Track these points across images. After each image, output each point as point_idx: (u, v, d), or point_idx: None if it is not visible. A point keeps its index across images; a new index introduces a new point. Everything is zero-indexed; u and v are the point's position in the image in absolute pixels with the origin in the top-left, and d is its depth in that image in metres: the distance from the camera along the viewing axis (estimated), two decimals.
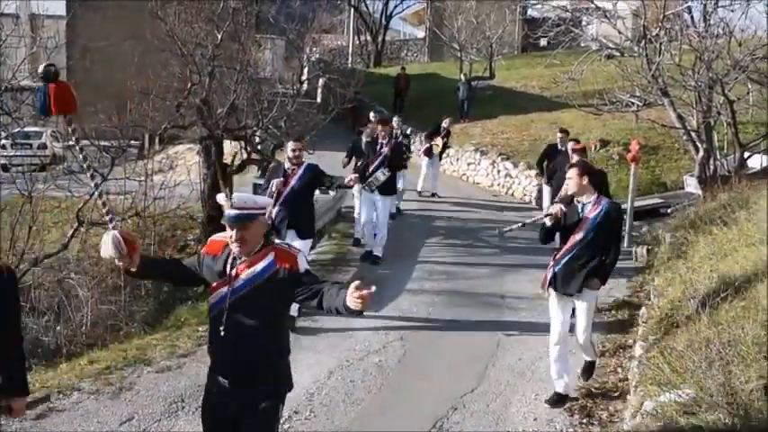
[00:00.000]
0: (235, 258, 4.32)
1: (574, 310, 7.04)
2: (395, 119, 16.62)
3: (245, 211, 4.21)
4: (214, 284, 4.37)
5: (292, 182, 8.99)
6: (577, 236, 6.74)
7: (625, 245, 13.54)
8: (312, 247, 12.77)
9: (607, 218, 6.68)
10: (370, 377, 7.55)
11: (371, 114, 16.50)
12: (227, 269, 4.33)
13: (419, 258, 12.64)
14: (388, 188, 12.11)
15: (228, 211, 4.23)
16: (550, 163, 13.29)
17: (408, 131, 16.70)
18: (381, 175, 11.79)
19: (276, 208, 8.82)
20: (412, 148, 18.37)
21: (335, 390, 7.23)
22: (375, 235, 12.15)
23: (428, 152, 18.00)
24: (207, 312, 8.87)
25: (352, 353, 8.20)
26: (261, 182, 17.25)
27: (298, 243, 8.66)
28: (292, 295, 4.29)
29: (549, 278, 6.94)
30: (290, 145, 9.22)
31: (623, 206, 14.07)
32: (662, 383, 5.61)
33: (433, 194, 18.08)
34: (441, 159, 19.46)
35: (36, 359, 8.47)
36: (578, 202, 6.76)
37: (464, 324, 9.28)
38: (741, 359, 5.41)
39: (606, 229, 6.70)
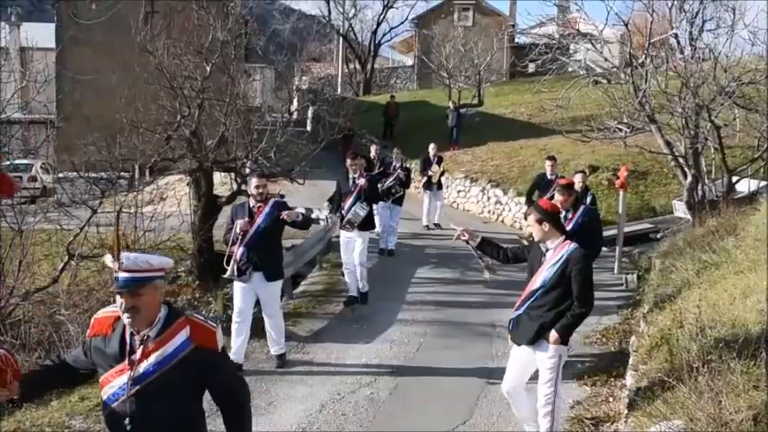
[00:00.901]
0: (132, 335, 3.66)
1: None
2: (394, 150, 16.55)
3: (138, 275, 3.62)
4: (107, 374, 3.69)
5: (258, 220, 8.42)
6: (535, 284, 6.22)
7: (615, 271, 13.66)
8: (289, 289, 12.39)
9: (566, 266, 6.03)
10: (361, 410, 7.53)
11: (373, 147, 16.18)
12: (126, 351, 3.66)
13: (410, 288, 12.65)
14: (366, 224, 11.36)
15: (117, 275, 3.64)
16: (542, 193, 12.93)
17: (397, 161, 15.93)
18: (361, 211, 11.09)
19: (241, 249, 8.36)
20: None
21: (327, 423, 7.20)
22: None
23: (427, 185, 17.59)
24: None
25: (343, 385, 8.18)
26: None
27: (266, 286, 8.52)
28: (207, 379, 3.74)
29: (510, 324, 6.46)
30: (254, 181, 8.61)
31: (613, 232, 14.27)
32: (652, 414, 5.63)
33: (436, 225, 17.77)
34: (442, 188, 18.64)
35: None
36: (545, 248, 6.23)
37: (455, 354, 9.26)
38: (731, 389, 5.43)
39: (566, 279, 6.03)
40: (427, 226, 17.70)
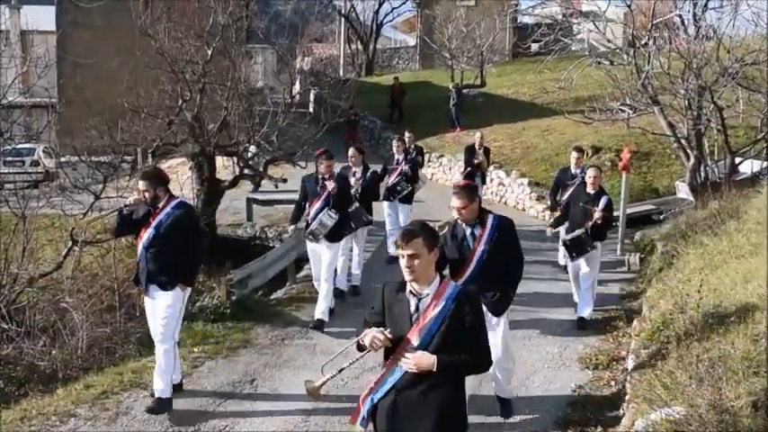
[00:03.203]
0: None
1: None
2: (407, 134, 14.89)
3: None
4: None
5: (147, 232, 7.02)
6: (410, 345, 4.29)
7: (618, 253, 13.67)
8: (293, 273, 11.88)
9: (453, 318, 4.23)
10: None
11: (406, 134, 14.63)
12: None
13: None
14: (336, 234, 9.75)
15: None
16: (564, 192, 11.57)
17: (402, 141, 13.71)
18: (328, 220, 9.48)
19: (139, 255, 7.16)
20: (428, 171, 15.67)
21: (331, 409, 7.25)
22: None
23: (469, 177, 15.14)
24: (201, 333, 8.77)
25: (347, 370, 8.19)
26: (255, 196, 17.40)
27: (161, 298, 7.07)
28: None
29: (364, 412, 4.52)
30: (139, 184, 7.11)
31: (615, 213, 14.24)
32: (653, 401, 5.65)
33: None
34: (485, 182, 16.78)
35: (32, 384, 8.49)
36: (413, 293, 4.37)
37: None
38: (731, 375, 5.46)
39: (455, 337, 4.23)
40: None
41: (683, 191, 16.65)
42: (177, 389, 7.34)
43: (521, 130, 23.52)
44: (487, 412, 7.17)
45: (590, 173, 9.98)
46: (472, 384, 7.74)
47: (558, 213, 11.01)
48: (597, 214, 9.50)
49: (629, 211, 14.70)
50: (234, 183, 14.70)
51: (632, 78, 15.48)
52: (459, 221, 6.56)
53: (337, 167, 10.39)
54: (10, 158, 19.95)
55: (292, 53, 19.01)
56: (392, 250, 12.36)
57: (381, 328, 4.32)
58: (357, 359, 4.62)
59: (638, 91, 15.51)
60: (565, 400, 7.36)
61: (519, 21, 39.96)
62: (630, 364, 7.55)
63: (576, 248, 9.65)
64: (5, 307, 10.14)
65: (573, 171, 11.77)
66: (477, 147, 15.74)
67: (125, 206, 7.17)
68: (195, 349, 8.80)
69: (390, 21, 50.19)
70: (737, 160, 15.77)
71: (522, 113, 25.79)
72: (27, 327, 9.77)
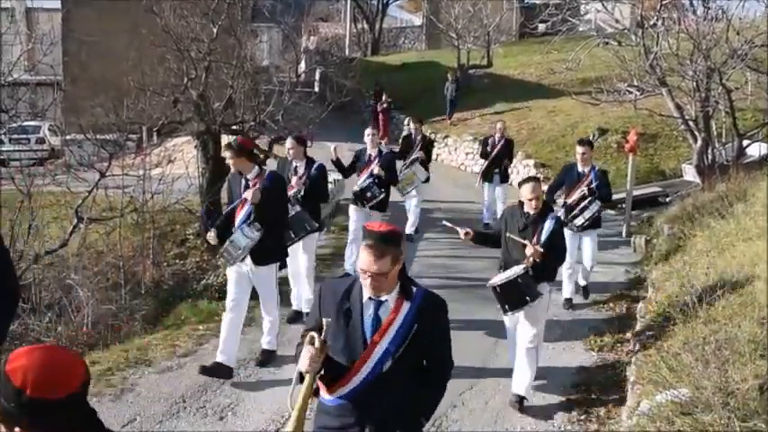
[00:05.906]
0: None
1: None
2: (412, 124, 14.49)
3: None
4: None
5: None
6: None
7: (624, 235, 13.63)
8: None
9: None
10: None
11: (411, 123, 14.28)
12: None
13: (417, 252, 12.64)
14: (265, 255, 7.23)
15: None
16: (570, 195, 9.77)
17: (376, 134, 11.05)
18: (242, 239, 7.04)
19: None
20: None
21: None
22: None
23: (486, 175, 14.06)
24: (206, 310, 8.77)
25: None
26: None
27: None
28: None
29: None
30: None
31: (620, 195, 14.18)
32: (658, 383, 5.65)
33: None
34: (507, 180, 14.34)
35: None
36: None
37: (462, 319, 9.26)
38: (737, 357, 5.45)
39: None
40: (487, 224, 13.61)
41: (689, 173, 16.58)
42: None
43: (527, 111, 23.42)
44: (491, 395, 7.18)
45: (525, 192, 6.82)
46: (481, 358, 7.78)
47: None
48: (529, 250, 6.62)
49: (635, 193, 14.65)
50: None
51: (640, 59, 15.37)
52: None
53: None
54: (15, 136, 19.94)
55: (298, 32, 18.94)
56: (348, 266, 10.39)
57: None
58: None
59: (645, 72, 15.40)
60: (569, 381, 7.35)
61: (526, 0, 39.71)
62: (636, 346, 7.54)
63: (510, 298, 6.68)
64: None
65: (580, 169, 9.78)
66: (497, 138, 13.89)
67: None
68: (200, 327, 8.83)
69: (396, 0, 49.98)
70: (745, 143, 15.68)
71: (528, 94, 25.67)
72: (33, 303, 9.83)
